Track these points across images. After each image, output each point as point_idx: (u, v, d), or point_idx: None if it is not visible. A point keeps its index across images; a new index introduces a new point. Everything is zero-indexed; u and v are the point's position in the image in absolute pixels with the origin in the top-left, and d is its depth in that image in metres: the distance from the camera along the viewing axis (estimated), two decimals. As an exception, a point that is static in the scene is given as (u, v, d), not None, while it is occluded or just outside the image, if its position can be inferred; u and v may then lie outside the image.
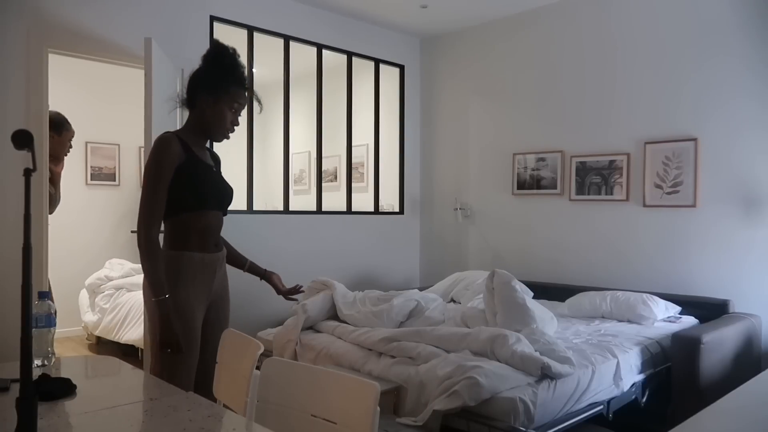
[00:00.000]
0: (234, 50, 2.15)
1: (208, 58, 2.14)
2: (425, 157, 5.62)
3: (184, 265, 2.06)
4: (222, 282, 2.23)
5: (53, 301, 1.94)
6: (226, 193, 2.23)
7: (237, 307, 4.15)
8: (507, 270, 3.42)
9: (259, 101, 2.45)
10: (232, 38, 4.38)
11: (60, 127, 3.53)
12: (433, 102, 5.53)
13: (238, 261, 2.38)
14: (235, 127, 2.21)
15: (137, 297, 4.45)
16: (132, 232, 3.47)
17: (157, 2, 3.87)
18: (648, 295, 3.77)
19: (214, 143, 2.50)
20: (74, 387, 1.52)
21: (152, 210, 1.99)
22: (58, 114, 3.59)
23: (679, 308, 3.80)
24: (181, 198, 2.03)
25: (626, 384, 2.99)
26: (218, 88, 2.10)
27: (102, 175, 5.91)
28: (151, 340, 2.06)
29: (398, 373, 2.80)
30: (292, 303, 3.76)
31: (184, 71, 3.98)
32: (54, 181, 3.65)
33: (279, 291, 2.41)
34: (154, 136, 3.26)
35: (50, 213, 3.71)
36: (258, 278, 2.41)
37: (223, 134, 2.17)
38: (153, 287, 1.97)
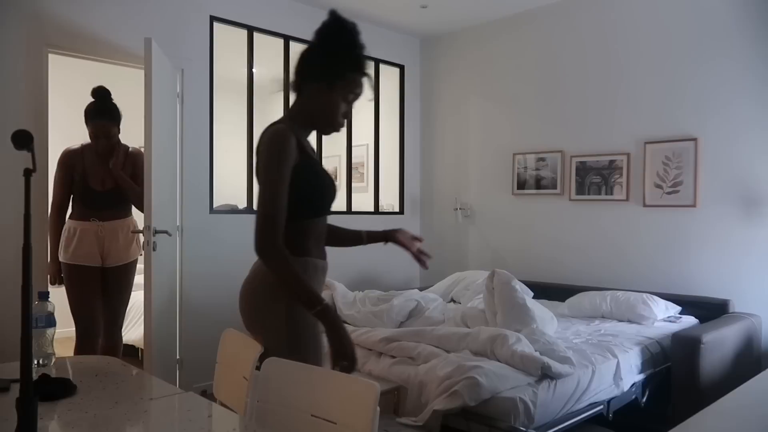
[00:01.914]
0: (354, 26, 1.79)
1: (323, 34, 1.78)
2: (425, 157, 5.62)
3: (309, 272, 1.76)
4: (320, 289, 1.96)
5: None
6: (335, 192, 1.92)
7: (237, 307, 4.16)
8: (507, 270, 3.42)
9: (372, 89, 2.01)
10: (232, 38, 4.40)
11: (86, 119, 3.26)
12: (433, 102, 5.53)
13: (356, 238, 2.10)
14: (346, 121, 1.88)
15: (137, 297, 4.44)
16: (133, 232, 3.47)
17: (157, 2, 3.87)
18: (648, 294, 3.77)
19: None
20: (74, 387, 1.52)
21: (278, 216, 1.67)
22: (88, 105, 3.27)
23: (679, 308, 3.80)
24: (300, 202, 1.73)
25: (626, 384, 2.99)
26: (333, 73, 1.77)
27: (102, 175, 5.90)
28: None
29: (398, 373, 2.80)
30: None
31: (184, 71, 3.99)
32: (120, 182, 3.28)
33: (410, 250, 2.11)
34: (155, 137, 3.28)
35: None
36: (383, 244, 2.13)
37: (333, 127, 1.87)
38: (306, 297, 1.64)
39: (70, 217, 3.28)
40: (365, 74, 1.84)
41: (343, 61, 1.78)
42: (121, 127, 3.38)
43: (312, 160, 1.80)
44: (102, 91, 3.30)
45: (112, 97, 3.34)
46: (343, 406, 1.37)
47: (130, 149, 3.42)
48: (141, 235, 3.41)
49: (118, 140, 3.38)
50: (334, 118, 1.84)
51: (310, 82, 1.79)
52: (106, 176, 3.29)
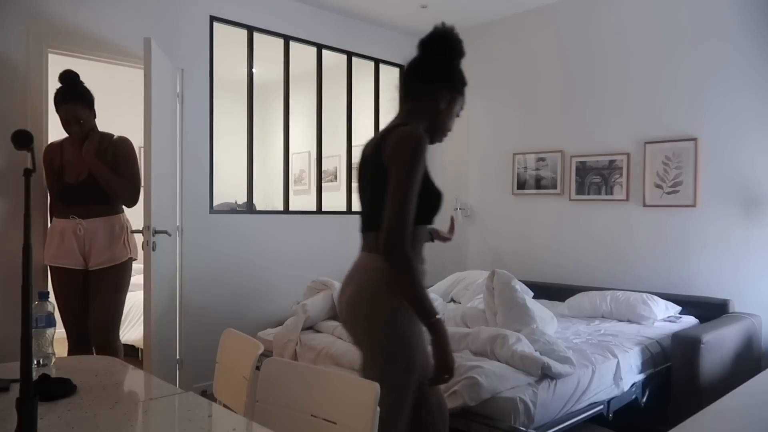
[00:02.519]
0: (461, 42, 1.94)
1: (446, 45, 1.93)
2: (425, 157, 5.61)
3: None
4: None
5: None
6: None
7: (237, 307, 4.17)
8: (507, 270, 3.42)
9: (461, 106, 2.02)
10: (232, 38, 4.40)
11: (55, 106, 3.06)
12: (433, 102, 5.52)
13: None
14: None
15: (137, 297, 4.44)
16: (133, 232, 3.46)
17: (157, 2, 3.87)
18: (648, 294, 3.77)
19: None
20: (74, 387, 1.53)
21: (410, 222, 1.68)
22: (56, 90, 3.09)
23: (679, 308, 3.80)
24: (420, 207, 1.74)
25: (626, 384, 2.99)
26: (455, 87, 1.88)
27: (102, 175, 5.89)
28: (394, 375, 1.68)
29: (398, 373, 2.80)
30: (292, 303, 3.76)
31: (184, 71, 3.99)
32: (92, 170, 3.01)
33: (450, 237, 2.20)
34: (154, 137, 3.28)
35: (128, 206, 3.16)
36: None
37: (440, 138, 1.92)
38: (425, 308, 1.65)
39: (54, 215, 3.10)
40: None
41: (461, 75, 1.89)
42: (96, 111, 3.16)
43: (427, 167, 1.80)
44: (69, 74, 3.06)
45: (82, 80, 3.13)
46: (343, 406, 1.37)
47: (115, 137, 3.19)
48: (133, 235, 3.23)
49: (94, 126, 3.13)
50: (448, 128, 1.90)
51: (436, 90, 1.85)
52: (82, 167, 3.02)
